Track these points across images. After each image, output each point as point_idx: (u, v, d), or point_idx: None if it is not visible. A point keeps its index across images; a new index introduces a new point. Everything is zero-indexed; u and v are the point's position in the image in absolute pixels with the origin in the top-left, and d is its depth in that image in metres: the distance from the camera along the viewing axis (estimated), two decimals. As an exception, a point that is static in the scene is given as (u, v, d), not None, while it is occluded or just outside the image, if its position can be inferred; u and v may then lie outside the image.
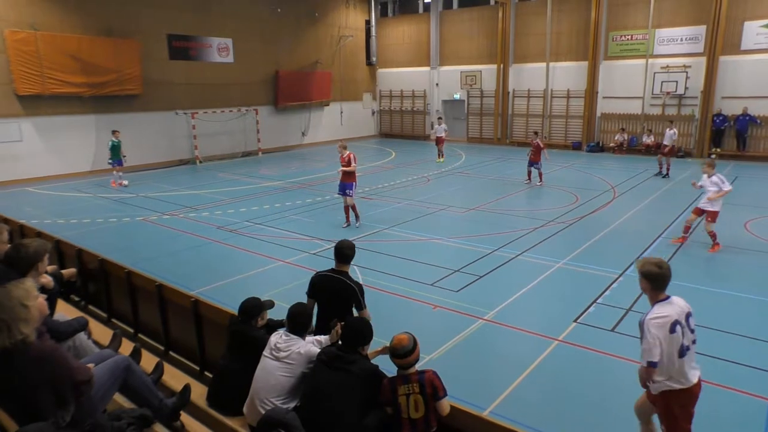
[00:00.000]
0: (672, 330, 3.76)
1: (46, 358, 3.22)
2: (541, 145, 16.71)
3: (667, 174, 18.10)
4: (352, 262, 5.03)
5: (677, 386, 3.85)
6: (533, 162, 16.81)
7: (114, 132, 17.83)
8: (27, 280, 3.53)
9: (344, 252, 4.90)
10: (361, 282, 5.28)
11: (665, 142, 18.21)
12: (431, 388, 3.56)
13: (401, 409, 3.59)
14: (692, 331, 3.92)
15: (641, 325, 3.89)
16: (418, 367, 3.75)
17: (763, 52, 20.86)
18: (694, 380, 3.92)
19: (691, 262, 9.82)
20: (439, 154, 22.49)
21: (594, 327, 7.17)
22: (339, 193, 12.26)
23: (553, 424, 5.24)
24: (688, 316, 3.89)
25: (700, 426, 5.20)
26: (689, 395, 3.93)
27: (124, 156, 17.86)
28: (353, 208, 12.20)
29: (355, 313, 4.84)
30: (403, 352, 3.64)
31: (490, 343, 6.94)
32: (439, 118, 24.94)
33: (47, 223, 12.39)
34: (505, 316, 7.55)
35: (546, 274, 9.16)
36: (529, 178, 17.26)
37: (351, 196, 11.99)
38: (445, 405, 3.59)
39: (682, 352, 3.80)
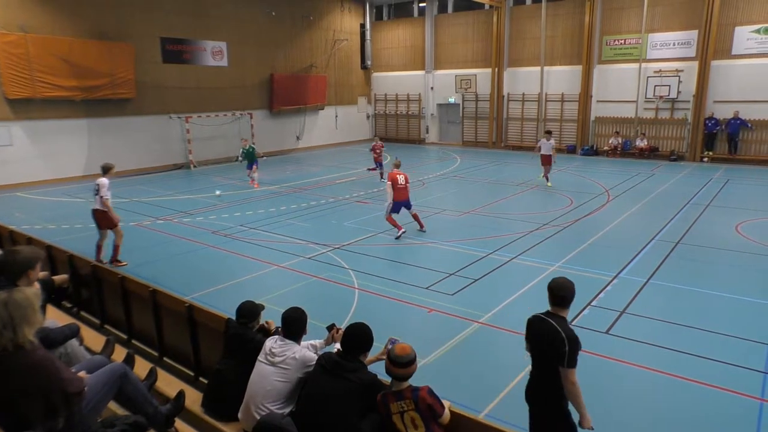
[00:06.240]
0: None
1: (37, 368, 3.16)
2: None
3: None
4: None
5: None
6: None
7: (243, 140, 19.36)
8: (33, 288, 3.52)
9: (558, 294, 3.96)
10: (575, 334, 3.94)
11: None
12: (426, 406, 3.44)
13: (397, 428, 3.47)
14: None
15: None
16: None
17: (753, 56, 21.03)
18: None
19: (683, 264, 9.85)
20: (545, 176, 17.60)
21: (588, 329, 7.17)
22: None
23: (549, 428, 5.23)
24: None
25: (693, 426, 5.24)
26: None
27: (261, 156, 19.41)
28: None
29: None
30: (405, 361, 3.53)
31: (486, 346, 6.93)
32: (548, 132, 18.98)
33: (38, 228, 12.29)
34: (500, 319, 7.55)
35: (541, 277, 9.15)
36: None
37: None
38: (446, 418, 3.51)
39: None
